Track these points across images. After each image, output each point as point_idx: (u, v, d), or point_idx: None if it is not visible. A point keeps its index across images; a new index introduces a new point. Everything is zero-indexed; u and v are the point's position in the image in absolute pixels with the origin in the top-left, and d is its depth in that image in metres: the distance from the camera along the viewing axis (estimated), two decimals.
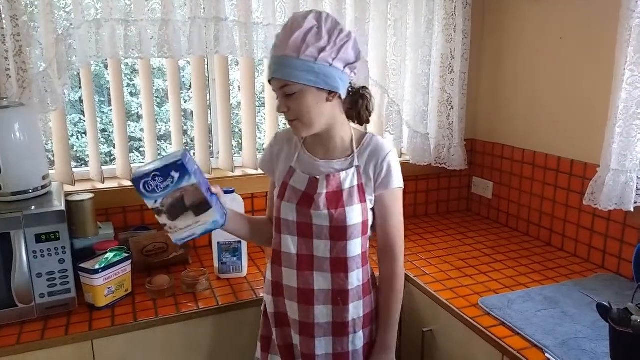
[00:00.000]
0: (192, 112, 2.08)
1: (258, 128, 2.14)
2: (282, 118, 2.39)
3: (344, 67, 1.21)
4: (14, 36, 1.64)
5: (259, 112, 2.13)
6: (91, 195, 1.72)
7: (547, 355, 1.31)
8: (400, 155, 2.42)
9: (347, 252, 1.28)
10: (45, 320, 1.49)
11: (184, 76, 2.66)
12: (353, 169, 1.29)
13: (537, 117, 2.12)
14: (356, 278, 1.31)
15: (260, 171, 2.11)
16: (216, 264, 1.79)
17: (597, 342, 1.35)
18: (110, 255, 1.59)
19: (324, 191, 1.27)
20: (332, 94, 1.22)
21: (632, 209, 1.67)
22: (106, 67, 2.00)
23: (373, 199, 1.30)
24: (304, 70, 1.17)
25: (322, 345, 1.33)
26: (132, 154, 2.21)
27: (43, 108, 1.71)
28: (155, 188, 1.16)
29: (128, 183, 1.96)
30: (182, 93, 2.04)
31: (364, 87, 1.34)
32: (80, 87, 1.90)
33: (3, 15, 1.60)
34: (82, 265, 1.54)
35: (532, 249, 2.04)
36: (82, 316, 1.51)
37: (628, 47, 1.58)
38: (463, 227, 2.33)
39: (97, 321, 1.49)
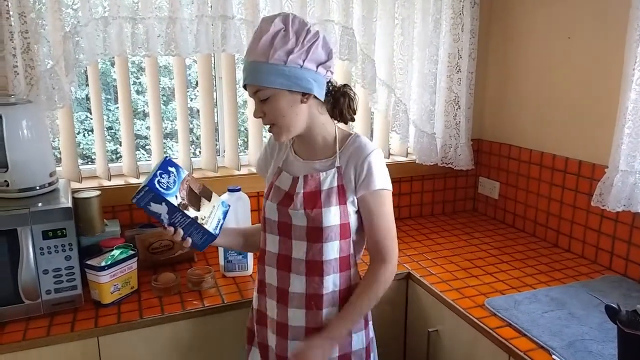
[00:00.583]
0: (198, 111, 2.08)
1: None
2: None
3: (317, 67, 1.20)
4: (22, 33, 1.64)
5: None
6: (98, 192, 1.73)
7: (553, 357, 1.30)
8: (407, 154, 2.41)
9: (322, 255, 1.25)
10: (51, 317, 1.49)
11: (190, 74, 2.66)
12: (334, 170, 1.26)
13: (545, 118, 2.11)
14: (332, 283, 1.27)
15: None
16: (222, 262, 1.79)
17: (605, 344, 1.34)
18: (116, 252, 1.60)
19: (302, 191, 1.26)
20: (306, 95, 1.21)
21: None
22: (113, 64, 2.01)
23: (355, 200, 1.26)
24: (274, 74, 1.16)
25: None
26: (138, 152, 2.21)
27: (50, 105, 1.72)
28: (168, 184, 1.19)
29: (135, 180, 1.97)
30: (188, 91, 2.04)
31: (346, 85, 1.31)
32: (87, 85, 1.91)
33: (11, 13, 1.61)
34: (88, 262, 1.54)
35: (539, 250, 2.03)
36: (88, 313, 1.52)
37: (637, 47, 1.57)
38: (469, 227, 2.32)
39: (103, 318, 1.49)
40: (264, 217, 1.34)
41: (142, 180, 1.87)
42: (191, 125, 2.07)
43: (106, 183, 1.93)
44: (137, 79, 2.89)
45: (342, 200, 1.25)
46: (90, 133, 2.58)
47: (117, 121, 2.02)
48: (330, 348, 1.26)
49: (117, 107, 1.98)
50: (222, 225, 1.31)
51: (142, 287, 1.67)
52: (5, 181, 1.51)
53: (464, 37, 2.22)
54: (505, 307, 1.54)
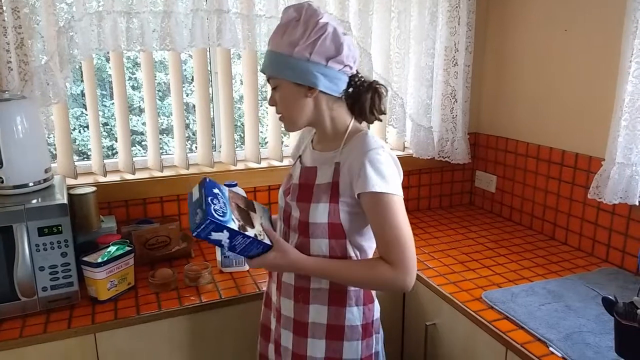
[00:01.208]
0: (194, 106, 2.07)
1: (260, 122, 2.13)
2: None
3: (327, 61, 1.16)
4: (16, 28, 1.63)
5: (261, 106, 2.12)
6: (93, 188, 1.72)
7: (550, 349, 1.30)
8: (404, 148, 2.41)
9: (310, 251, 1.21)
10: (48, 314, 1.49)
11: (186, 69, 2.65)
12: (332, 165, 1.21)
13: (541, 110, 2.11)
14: (322, 280, 1.23)
15: (262, 165, 2.13)
16: (219, 257, 1.78)
17: (602, 335, 1.34)
18: (112, 248, 1.59)
19: (297, 182, 1.27)
20: (311, 89, 1.18)
21: (637, 203, 1.66)
22: (108, 60, 2.00)
23: (350, 201, 1.18)
24: (281, 65, 1.16)
25: (286, 338, 1.29)
26: (134, 148, 2.20)
27: (45, 101, 1.70)
28: (222, 210, 1.13)
29: (130, 176, 1.96)
30: (184, 86, 2.03)
31: (374, 81, 1.24)
32: (82, 81, 1.90)
33: (4, 8, 1.59)
34: (84, 258, 1.53)
35: (536, 243, 2.04)
36: (85, 309, 1.51)
37: (634, 39, 1.57)
38: (466, 221, 2.32)
39: (100, 314, 1.49)
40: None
41: (138, 176, 1.86)
42: (187, 121, 2.06)
43: (102, 179, 1.92)
44: (133, 75, 2.87)
45: (334, 199, 1.19)
46: (85, 129, 2.57)
47: (113, 117, 2.01)
48: (285, 270, 1.24)
49: (113, 103, 1.96)
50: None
51: (139, 283, 1.66)
52: (0, 178, 1.50)
53: (460, 30, 2.22)
54: (503, 300, 1.54)
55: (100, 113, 1.94)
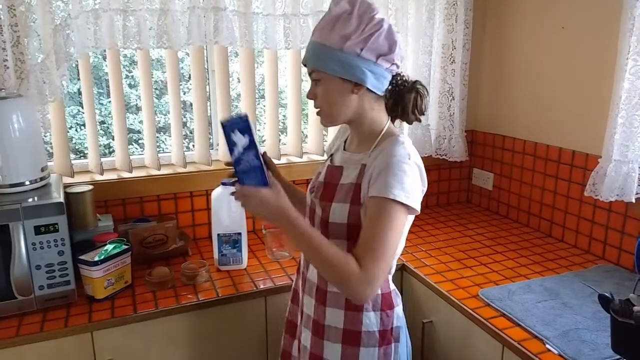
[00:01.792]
0: (191, 104, 2.07)
1: (258, 120, 2.13)
2: (282, 110, 2.38)
3: (377, 58, 1.13)
4: (12, 26, 1.62)
5: (258, 104, 2.11)
6: (90, 187, 1.72)
7: (547, 346, 1.31)
8: None
9: None
10: (45, 312, 1.49)
11: (182, 67, 2.64)
12: (358, 166, 1.19)
13: (538, 108, 2.11)
14: None
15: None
16: (216, 255, 1.78)
17: (598, 333, 1.35)
18: (109, 247, 1.59)
19: (322, 180, 1.26)
20: (358, 86, 1.15)
21: (633, 200, 1.67)
22: (104, 58, 1.99)
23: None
24: (328, 58, 1.12)
25: (305, 337, 1.29)
26: (131, 146, 2.20)
27: (41, 99, 1.70)
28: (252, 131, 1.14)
29: (127, 175, 1.95)
30: (181, 84, 2.03)
31: (417, 81, 1.21)
32: (78, 79, 1.89)
33: (0, 6, 1.59)
34: (81, 257, 1.53)
35: (533, 240, 2.04)
36: (82, 308, 1.51)
37: (631, 36, 1.57)
38: (463, 218, 2.32)
39: (97, 313, 1.49)
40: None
41: (135, 174, 1.85)
42: (184, 119, 2.06)
43: (99, 177, 1.92)
44: (130, 73, 2.87)
45: (356, 200, 1.16)
46: (82, 127, 2.56)
47: (110, 115, 2.01)
48: (268, 214, 1.11)
49: (110, 101, 1.96)
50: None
51: (136, 282, 1.66)
52: None
53: (458, 27, 2.22)
54: (499, 298, 1.55)
55: (97, 111, 1.94)
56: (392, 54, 1.14)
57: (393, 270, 1.28)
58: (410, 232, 2.17)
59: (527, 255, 1.89)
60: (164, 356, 1.56)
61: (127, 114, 2.08)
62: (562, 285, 1.63)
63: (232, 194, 1.14)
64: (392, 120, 1.25)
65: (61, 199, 1.49)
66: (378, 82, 1.16)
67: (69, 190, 1.67)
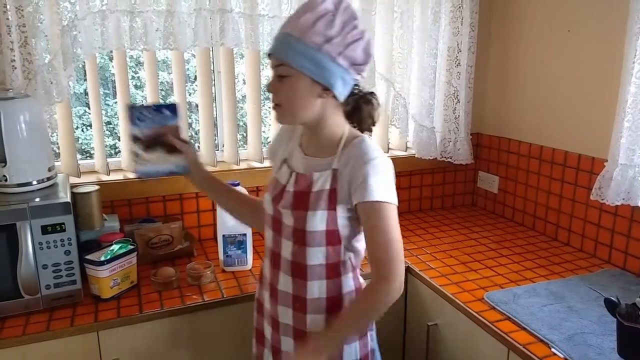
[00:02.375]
0: (197, 105, 2.08)
1: (263, 122, 2.14)
2: None
3: (349, 66, 1.12)
4: (19, 27, 1.63)
5: (264, 105, 2.12)
6: (96, 187, 1.72)
7: (553, 350, 1.30)
8: (406, 149, 2.41)
9: (306, 259, 1.18)
10: (51, 312, 1.49)
11: (188, 69, 2.65)
12: (329, 172, 1.16)
13: (544, 111, 2.11)
14: (317, 289, 1.20)
15: (265, 164, 2.13)
16: (221, 256, 1.78)
17: (604, 337, 1.34)
18: (115, 247, 1.59)
19: (292, 189, 1.20)
20: (326, 90, 1.12)
21: (639, 204, 1.66)
22: (111, 59, 2.00)
23: (348, 207, 1.16)
24: (303, 56, 1.08)
25: (285, 344, 1.27)
26: None
27: (48, 100, 1.71)
28: (146, 119, 1.30)
29: (133, 175, 1.96)
30: (187, 86, 2.04)
31: (372, 93, 1.24)
32: (85, 80, 1.90)
33: (8, 7, 1.60)
34: (87, 257, 1.54)
35: (538, 244, 2.03)
36: (88, 307, 1.52)
37: (637, 39, 1.56)
38: (468, 221, 2.32)
39: (103, 312, 1.49)
40: (263, 209, 1.30)
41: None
42: (190, 120, 2.06)
43: (105, 178, 1.92)
44: (136, 74, 2.88)
45: (332, 206, 1.15)
46: (88, 128, 2.57)
47: (116, 116, 2.02)
48: (331, 349, 1.18)
49: (116, 102, 1.97)
50: (151, 177, 1.38)
51: (141, 282, 1.67)
52: (4, 176, 1.50)
53: (463, 30, 2.22)
54: (505, 301, 1.54)
55: (104, 112, 1.94)
56: (364, 65, 1.15)
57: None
58: (415, 234, 2.18)
59: (533, 258, 1.89)
60: (169, 356, 1.56)
61: None
62: (567, 289, 1.62)
63: None
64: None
65: (68, 199, 1.50)
66: (344, 90, 1.15)
67: (75, 190, 1.68)
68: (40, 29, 1.65)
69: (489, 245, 2.03)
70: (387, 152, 2.37)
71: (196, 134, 2.19)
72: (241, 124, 2.32)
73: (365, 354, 1.27)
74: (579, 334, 1.36)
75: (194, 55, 2.11)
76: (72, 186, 1.72)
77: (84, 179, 1.90)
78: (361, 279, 1.28)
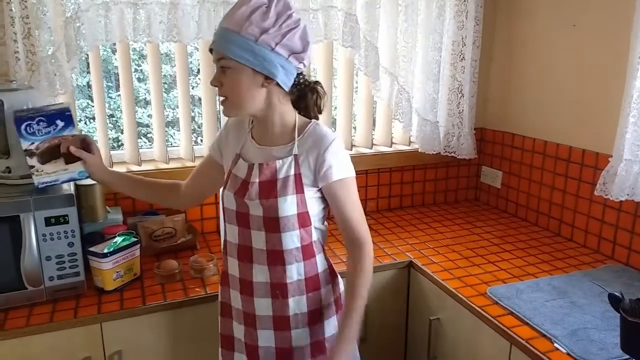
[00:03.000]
0: (200, 99, 2.07)
1: None
2: None
3: (289, 55, 1.16)
4: (23, 18, 1.63)
5: None
6: None
7: (555, 345, 1.30)
8: (409, 143, 2.40)
9: (282, 245, 1.22)
10: (54, 303, 1.50)
11: (192, 62, 2.65)
12: (291, 158, 1.22)
13: (548, 106, 2.10)
14: (296, 272, 1.25)
15: None
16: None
17: (607, 332, 1.34)
18: (119, 239, 1.60)
19: (257, 180, 1.23)
20: (268, 79, 1.17)
21: None
22: (114, 52, 1.99)
23: (316, 190, 1.24)
24: (242, 48, 1.13)
25: (264, 338, 1.29)
26: (140, 140, 2.21)
27: (52, 91, 1.71)
28: (37, 132, 1.30)
29: (136, 168, 1.96)
30: (190, 79, 2.03)
31: (317, 82, 1.29)
32: (88, 72, 1.90)
33: None
34: (91, 249, 1.54)
35: (541, 239, 2.03)
36: (91, 299, 1.52)
37: None
38: (471, 216, 2.31)
39: (106, 304, 1.50)
40: (222, 207, 1.32)
41: (143, 167, 1.88)
42: (193, 113, 2.06)
43: None
44: (139, 67, 2.88)
45: (299, 189, 1.21)
46: (91, 121, 2.58)
47: (119, 109, 2.02)
48: (349, 349, 1.24)
49: (119, 95, 1.97)
50: (52, 185, 1.39)
51: (144, 274, 1.67)
52: (7, 168, 1.51)
53: (468, 24, 2.20)
54: (507, 296, 1.54)
55: (107, 105, 1.95)
56: (304, 53, 1.19)
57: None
58: (417, 229, 2.18)
59: (536, 254, 1.89)
60: (172, 348, 1.57)
61: (136, 107, 2.08)
62: (570, 284, 1.62)
63: None
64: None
65: (71, 191, 1.50)
66: (287, 78, 1.19)
67: (79, 182, 1.68)
68: (43, 20, 1.65)
69: (491, 240, 2.02)
70: (391, 147, 2.36)
71: (199, 127, 2.19)
72: None
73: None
74: (582, 329, 1.36)
75: (197, 48, 2.10)
76: None
77: None
78: (326, 261, 1.33)
